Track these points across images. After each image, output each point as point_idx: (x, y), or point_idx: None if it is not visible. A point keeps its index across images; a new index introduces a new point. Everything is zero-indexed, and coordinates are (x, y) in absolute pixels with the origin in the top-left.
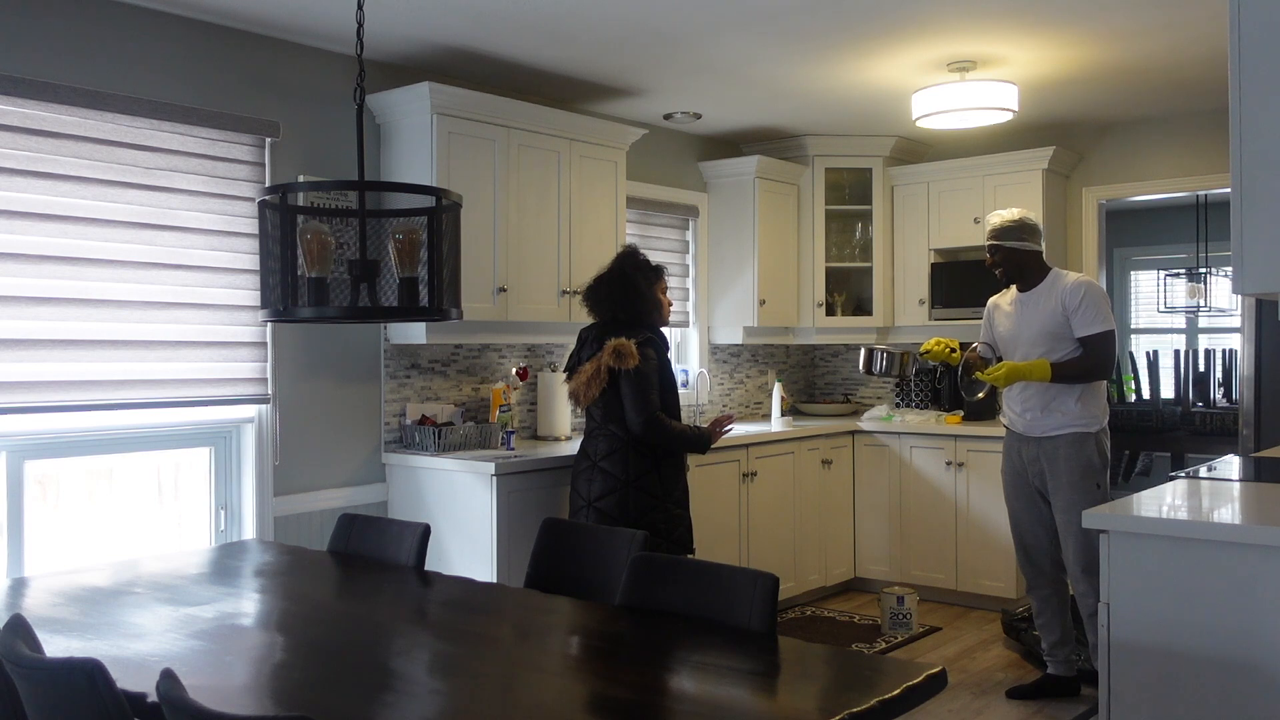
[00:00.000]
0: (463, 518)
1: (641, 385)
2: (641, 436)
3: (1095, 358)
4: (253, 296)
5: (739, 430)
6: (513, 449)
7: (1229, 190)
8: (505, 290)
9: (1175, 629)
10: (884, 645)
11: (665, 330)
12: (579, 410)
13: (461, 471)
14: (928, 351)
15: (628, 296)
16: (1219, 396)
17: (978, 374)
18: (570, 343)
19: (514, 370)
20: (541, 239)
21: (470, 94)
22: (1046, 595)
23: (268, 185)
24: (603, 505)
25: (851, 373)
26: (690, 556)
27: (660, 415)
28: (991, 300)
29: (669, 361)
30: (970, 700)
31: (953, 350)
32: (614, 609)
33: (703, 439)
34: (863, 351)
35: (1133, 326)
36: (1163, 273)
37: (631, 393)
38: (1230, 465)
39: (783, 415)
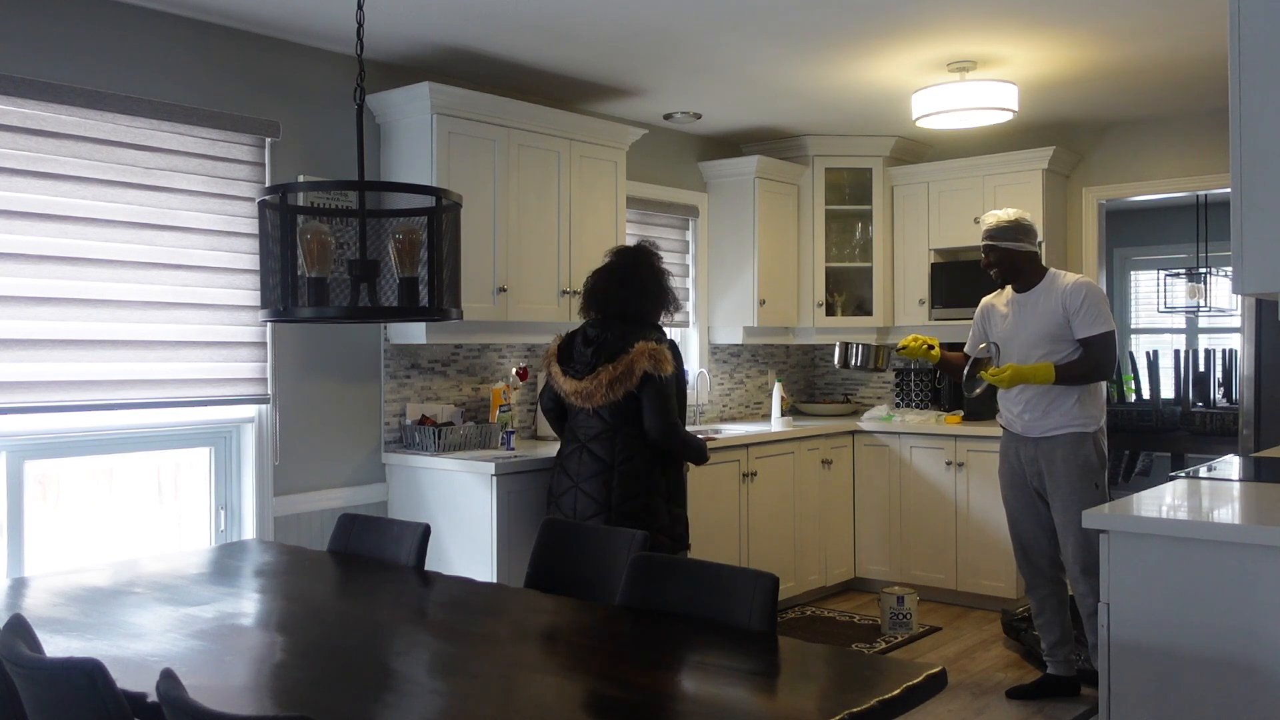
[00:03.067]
0: (463, 518)
1: (666, 392)
2: (659, 442)
3: (1097, 359)
4: (253, 296)
5: (739, 430)
6: (513, 449)
7: (1229, 190)
8: (505, 290)
9: (1175, 629)
10: (884, 645)
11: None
12: (588, 409)
13: (461, 471)
14: (904, 348)
15: (661, 288)
16: (1219, 396)
17: (982, 373)
18: None
19: (514, 370)
20: (541, 239)
21: (470, 94)
22: (1045, 595)
23: (268, 185)
24: (628, 509)
25: (852, 373)
26: (686, 553)
27: (678, 422)
28: (985, 300)
29: (684, 370)
30: (970, 700)
31: (931, 347)
32: (614, 609)
33: (702, 452)
34: (838, 345)
35: (1133, 326)
36: (1163, 273)
37: (657, 398)
38: (1230, 465)
39: (783, 415)
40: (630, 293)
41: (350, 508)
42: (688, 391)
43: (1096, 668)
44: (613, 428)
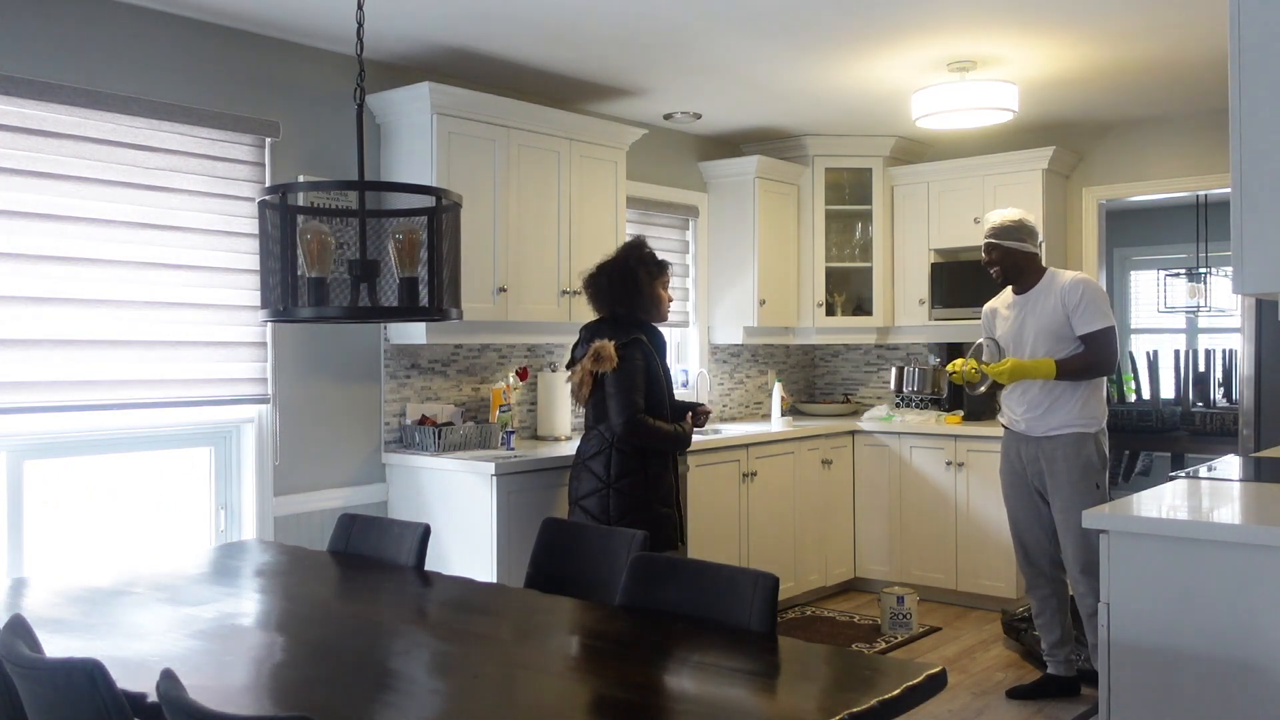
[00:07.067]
0: (463, 518)
1: (623, 387)
2: (625, 438)
3: (1098, 354)
4: (253, 296)
5: (739, 430)
6: (513, 449)
7: (1229, 190)
8: (505, 290)
9: (1175, 629)
10: (884, 645)
11: (665, 329)
12: (579, 407)
13: (461, 471)
14: (955, 373)
15: (626, 290)
16: (1219, 396)
17: (983, 367)
18: (570, 342)
19: (514, 371)
20: (541, 239)
21: (470, 94)
22: (1046, 595)
23: (268, 185)
24: (586, 504)
25: (852, 373)
26: (675, 553)
27: (641, 417)
28: (988, 305)
29: (660, 362)
30: (970, 700)
31: (976, 370)
32: (614, 609)
33: (677, 438)
34: (894, 371)
35: (1133, 326)
36: (1163, 273)
37: (614, 394)
38: (1230, 465)
39: (783, 415)
40: (611, 294)
41: (350, 508)
42: (690, 390)
43: (1096, 668)
44: (593, 425)
